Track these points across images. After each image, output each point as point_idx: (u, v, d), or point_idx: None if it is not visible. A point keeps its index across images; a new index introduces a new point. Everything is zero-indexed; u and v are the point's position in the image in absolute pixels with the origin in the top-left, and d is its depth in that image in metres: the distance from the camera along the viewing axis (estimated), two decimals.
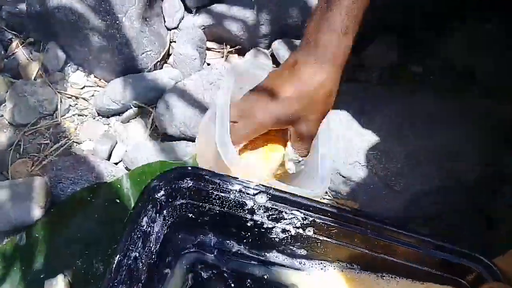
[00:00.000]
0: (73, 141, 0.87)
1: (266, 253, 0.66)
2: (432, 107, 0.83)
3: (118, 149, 0.84)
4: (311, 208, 0.59)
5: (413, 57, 0.91)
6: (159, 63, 0.91)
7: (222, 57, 0.95)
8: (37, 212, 0.71)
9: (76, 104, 0.91)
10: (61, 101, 0.90)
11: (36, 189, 0.72)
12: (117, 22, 0.85)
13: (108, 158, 0.83)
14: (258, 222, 0.61)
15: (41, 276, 0.66)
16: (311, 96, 0.60)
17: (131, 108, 0.87)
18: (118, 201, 0.71)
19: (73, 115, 0.90)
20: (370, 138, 0.80)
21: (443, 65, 0.88)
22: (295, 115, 0.60)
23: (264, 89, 0.61)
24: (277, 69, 0.64)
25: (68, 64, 0.94)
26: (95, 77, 0.93)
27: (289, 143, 0.66)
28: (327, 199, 0.82)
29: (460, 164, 0.77)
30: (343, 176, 0.80)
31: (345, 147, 0.81)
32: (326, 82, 0.60)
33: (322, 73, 0.59)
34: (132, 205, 0.70)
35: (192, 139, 0.82)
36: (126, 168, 0.81)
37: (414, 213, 0.79)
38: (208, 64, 0.94)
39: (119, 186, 0.72)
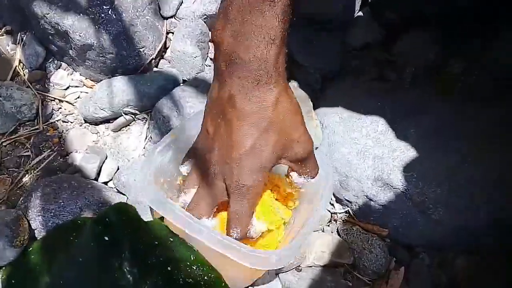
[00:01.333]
0: (58, 153, 0.75)
1: None
2: (480, 117, 0.70)
3: (108, 165, 0.73)
4: None
5: (455, 55, 0.76)
6: (154, 60, 0.78)
7: None
8: (12, 252, 0.60)
9: (60, 108, 0.79)
10: (42, 105, 0.78)
11: (11, 225, 0.61)
12: (102, 15, 0.71)
13: (97, 177, 0.72)
14: None
15: None
16: (273, 123, 0.49)
17: (122, 115, 0.75)
18: (106, 238, 0.60)
19: (57, 121, 0.78)
20: (403, 156, 0.68)
21: (493, 66, 0.73)
22: (279, 151, 0.51)
23: (219, 149, 0.51)
24: (211, 115, 0.52)
25: (49, 61, 0.81)
26: (80, 75, 0.80)
27: (292, 173, 0.56)
28: (349, 221, 0.71)
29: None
30: (370, 199, 0.69)
31: (374, 165, 0.68)
32: (279, 98, 0.49)
33: (270, 93, 0.48)
34: (123, 244, 0.59)
35: None
36: (118, 191, 0.70)
37: (452, 243, 0.68)
38: (212, 60, 0.81)
39: (107, 220, 0.61)
